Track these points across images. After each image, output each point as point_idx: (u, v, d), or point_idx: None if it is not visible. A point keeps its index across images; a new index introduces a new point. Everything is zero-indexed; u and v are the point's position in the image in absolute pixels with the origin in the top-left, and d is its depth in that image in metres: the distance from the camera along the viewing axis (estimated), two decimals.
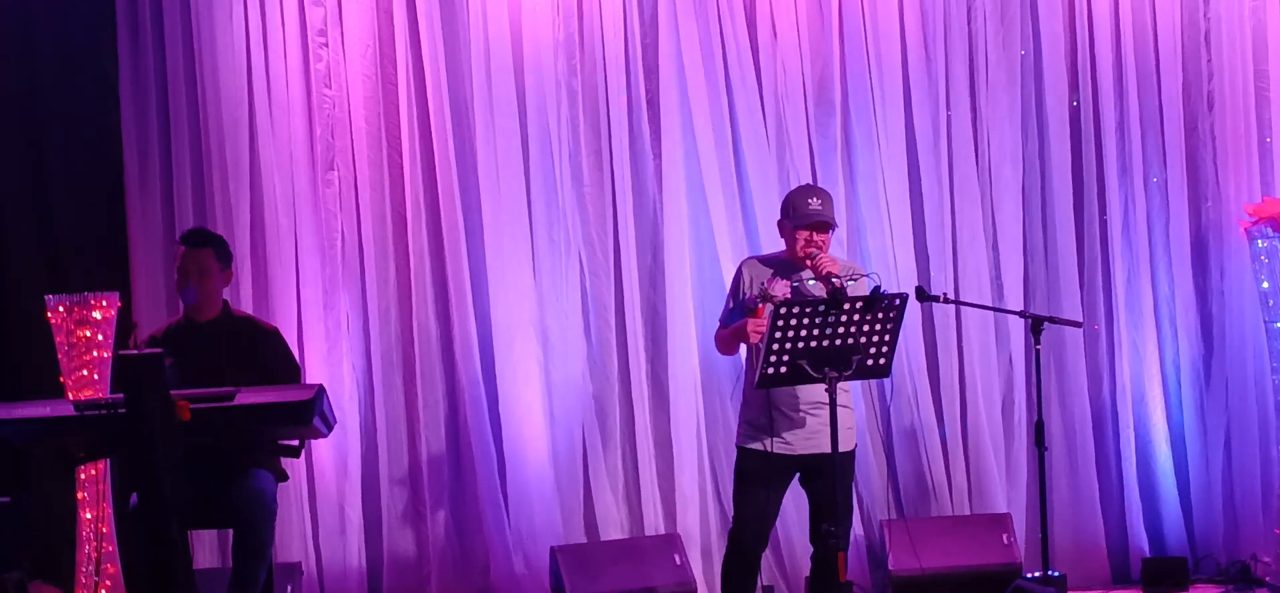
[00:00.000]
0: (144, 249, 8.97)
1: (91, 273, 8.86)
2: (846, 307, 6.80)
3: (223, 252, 7.39)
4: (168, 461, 6.05)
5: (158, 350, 6.30)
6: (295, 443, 6.90)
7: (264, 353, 7.24)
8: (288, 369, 7.30)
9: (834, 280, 6.95)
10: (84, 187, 9.10)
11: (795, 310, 6.78)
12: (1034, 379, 8.12)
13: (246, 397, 6.21)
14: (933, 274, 9.27)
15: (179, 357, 6.98)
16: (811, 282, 7.19)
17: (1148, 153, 9.44)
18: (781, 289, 7.14)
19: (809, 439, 7.20)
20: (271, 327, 7.58)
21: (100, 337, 8.45)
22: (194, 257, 7.28)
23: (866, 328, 6.84)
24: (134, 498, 6.75)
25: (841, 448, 6.99)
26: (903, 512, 9.26)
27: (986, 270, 9.34)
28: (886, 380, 8.85)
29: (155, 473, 6.08)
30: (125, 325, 8.45)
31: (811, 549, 7.40)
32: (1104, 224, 9.42)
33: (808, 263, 7.19)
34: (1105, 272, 9.43)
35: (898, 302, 6.86)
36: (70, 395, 8.18)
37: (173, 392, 6.10)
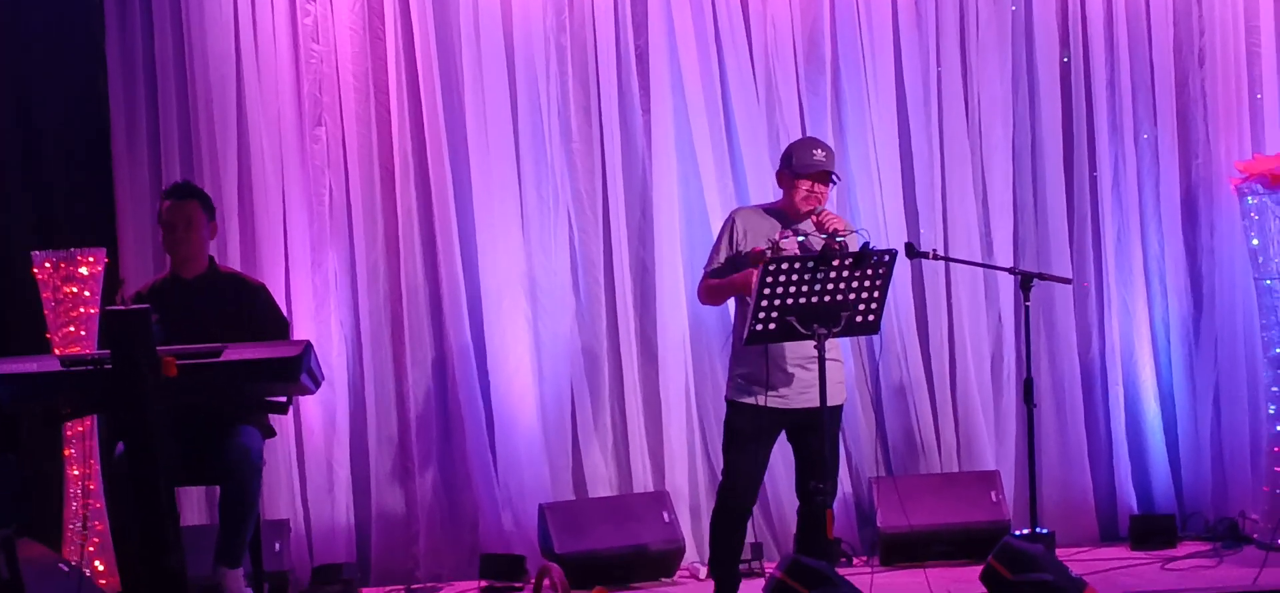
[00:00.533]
0: (131, 205, 8.92)
1: (79, 230, 8.81)
2: (836, 263, 6.78)
3: (208, 205, 7.36)
4: (155, 417, 6.02)
5: (145, 306, 6.26)
6: (283, 400, 6.86)
7: (251, 309, 7.21)
8: (276, 325, 7.27)
9: (838, 239, 6.93)
10: (71, 143, 9.04)
11: (784, 267, 6.76)
12: (1023, 336, 8.14)
13: (233, 353, 6.17)
14: (922, 231, 9.26)
15: (165, 313, 6.94)
16: (801, 239, 7.16)
17: (1138, 110, 9.44)
18: (790, 244, 7.11)
19: (801, 393, 7.18)
20: (258, 283, 7.55)
21: (87, 293, 8.41)
22: (180, 209, 7.25)
23: (856, 284, 6.82)
24: (119, 447, 6.72)
25: (830, 403, 6.99)
26: (891, 469, 9.27)
27: (976, 227, 9.34)
28: (876, 338, 8.85)
29: (142, 429, 6.05)
30: (112, 282, 8.41)
31: (799, 506, 7.39)
32: (1094, 181, 9.42)
33: (813, 218, 7.16)
34: (1095, 229, 9.43)
35: (887, 258, 6.84)
36: (57, 352, 8.15)
37: (159, 348, 6.07)
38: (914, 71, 9.31)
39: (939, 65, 9.33)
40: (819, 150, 7.24)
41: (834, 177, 7.26)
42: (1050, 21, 9.36)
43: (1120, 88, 9.39)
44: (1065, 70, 9.42)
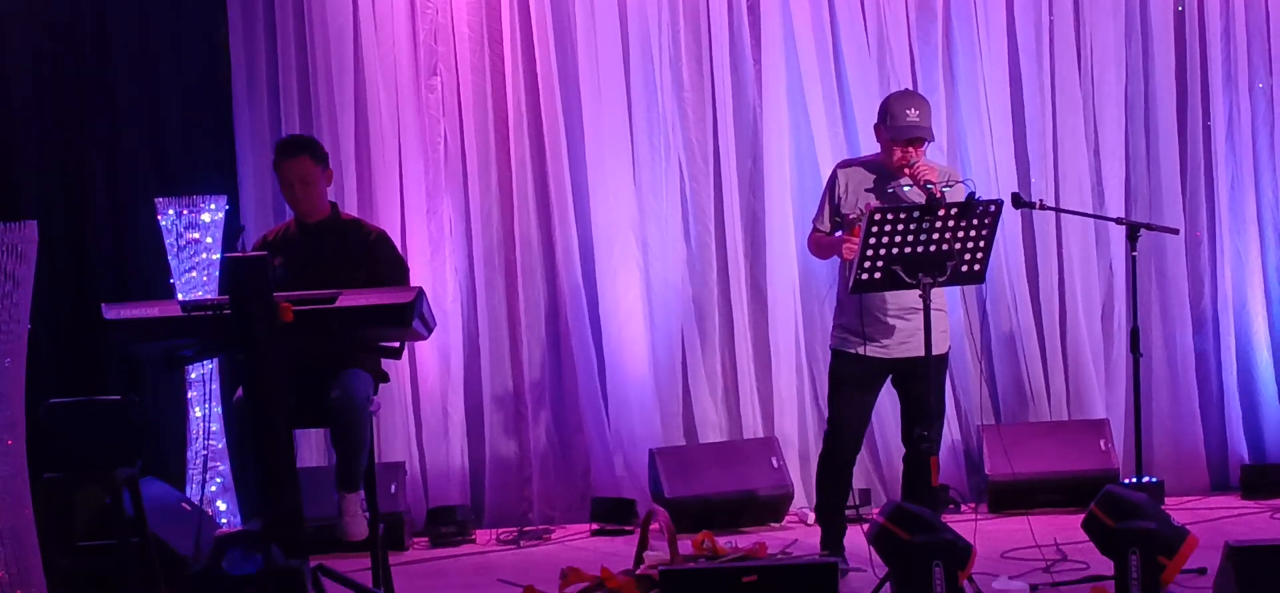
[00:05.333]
0: (251, 153, 9.10)
1: (200, 177, 9.01)
2: (941, 213, 6.81)
3: (318, 154, 7.39)
4: (271, 361, 6.17)
5: (263, 253, 6.40)
6: (396, 345, 6.99)
7: (373, 254, 7.30)
8: (397, 271, 7.34)
9: (931, 187, 6.97)
10: (192, 93, 9.23)
11: (890, 217, 6.80)
12: (1131, 286, 8.14)
13: (347, 299, 6.28)
14: (1033, 181, 9.26)
15: (289, 258, 7.08)
16: (908, 188, 7.21)
17: (1253, 59, 9.38)
18: None
19: (903, 343, 7.24)
20: (379, 229, 7.60)
21: (209, 239, 8.61)
22: (294, 167, 7.30)
23: (961, 234, 6.85)
24: (238, 393, 6.89)
25: (935, 352, 7.03)
26: (1000, 418, 9.29)
27: (1088, 177, 9.31)
28: (985, 286, 8.91)
29: (260, 373, 6.20)
30: (233, 228, 8.59)
31: (904, 453, 7.46)
32: (1207, 131, 9.37)
33: (907, 171, 7.20)
34: (1208, 179, 9.38)
35: (992, 208, 6.86)
36: (179, 297, 8.34)
37: (276, 294, 6.20)
38: (1026, 21, 9.29)
39: (1051, 14, 9.30)
40: (913, 110, 7.22)
41: (929, 137, 7.27)
42: None
43: (1235, 36, 9.31)
44: (1179, 19, 9.36)
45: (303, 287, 6.45)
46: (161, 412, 8.95)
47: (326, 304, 6.25)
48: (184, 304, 6.36)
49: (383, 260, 7.26)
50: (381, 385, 7.34)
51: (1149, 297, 9.27)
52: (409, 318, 6.30)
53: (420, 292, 6.35)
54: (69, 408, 7.44)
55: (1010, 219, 9.06)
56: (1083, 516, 6.76)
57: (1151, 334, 9.24)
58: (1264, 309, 9.37)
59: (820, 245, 7.53)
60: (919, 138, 7.20)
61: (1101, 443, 8.92)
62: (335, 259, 7.15)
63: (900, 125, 7.21)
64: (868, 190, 7.31)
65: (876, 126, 7.40)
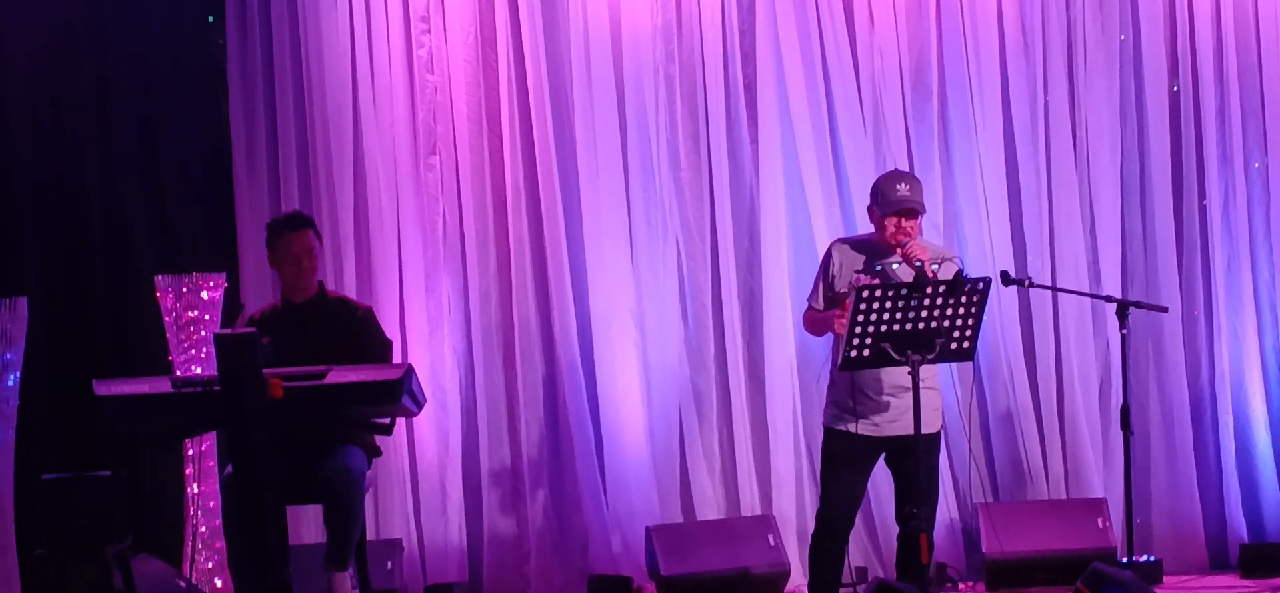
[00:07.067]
0: (252, 232, 9.12)
1: (200, 255, 9.07)
2: (929, 291, 6.84)
3: (317, 229, 7.55)
4: (261, 437, 6.21)
5: (252, 330, 6.46)
6: (386, 421, 7.03)
7: (358, 331, 7.35)
8: (380, 348, 7.40)
9: (921, 265, 6.99)
10: (193, 170, 9.33)
11: (878, 294, 6.82)
12: (1124, 363, 8.15)
13: (337, 376, 6.34)
14: (1029, 260, 9.27)
15: (278, 337, 7.13)
16: (896, 266, 7.23)
17: (1248, 139, 9.41)
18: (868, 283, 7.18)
19: (894, 421, 7.24)
20: (365, 306, 7.68)
21: (208, 317, 8.66)
22: (301, 240, 7.40)
23: (950, 312, 6.87)
24: (229, 469, 6.92)
25: (925, 430, 7.02)
26: (998, 495, 9.29)
27: (1083, 256, 9.33)
28: (982, 364, 8.95)
29: (249, 449, 6.25)
30: (233, 306, 8.65)
31: (898, 530, 7.45)
32: (1203, 210, 9.39)
33: (898, 251, 7.22)
34: (1205, 258, 9.40)
35: (981, 286, 6.88)
36: (177, 375, 8.38)
37: (267, 370, 6.25)
38: (1021, 100, 9.33)
39: (1046, 94, 9.35)
40: (902, 185, 7.25)
41: (920, 209, 7.30)
42: (1159, 50, 9.34)
43: (1230, 117, 9.36)
44: (1174, 99, 9.41)
45: (294, 364, 6.50)
46: (162, 488, 8.97)
47: (316, 381, 6.32)
48: (174, 381, 6.43)
49: (368, 337, 7.31)
50: (377, 460, 7.38)
51: (1146, 375, 9.29)
52: (398, 394, 6.36)
53: (409, 368, 6.40)
54: (60, 484, 7.49)
55: (1007, 297, 9.10)
56: None
57: (1149, 412, 9.25)
58: (1261, 387, 9.36)
59: (814, 322, 7.56)
60: (911, 210, 7.23)
61: (1099, 521, 8.89)
62: (324, 337, 7.20)
63: (891, 200, 7.23)
64: (858, 270, 7.32)
65: (870, 209, 7.42)
